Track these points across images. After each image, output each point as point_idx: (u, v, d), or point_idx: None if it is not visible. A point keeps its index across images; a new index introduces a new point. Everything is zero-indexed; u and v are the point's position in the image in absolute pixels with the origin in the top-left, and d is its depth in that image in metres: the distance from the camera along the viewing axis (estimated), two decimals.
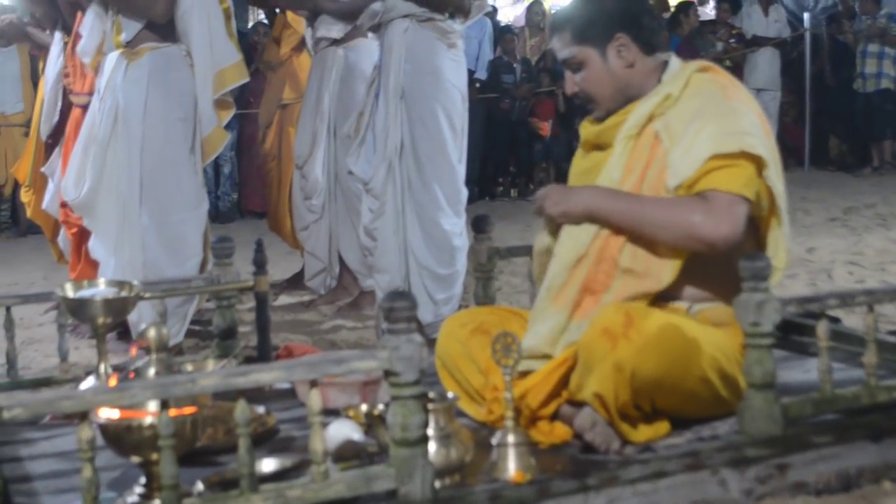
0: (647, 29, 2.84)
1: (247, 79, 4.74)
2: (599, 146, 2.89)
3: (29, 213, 5.84)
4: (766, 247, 2.78)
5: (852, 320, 3.92)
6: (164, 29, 4.47)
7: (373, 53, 5.26)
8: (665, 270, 2.67)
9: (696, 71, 2.80)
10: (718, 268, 2.66)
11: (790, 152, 11.64)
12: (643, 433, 2.57)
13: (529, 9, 12.25)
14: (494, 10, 12.47)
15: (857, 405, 2.67)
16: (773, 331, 2.51)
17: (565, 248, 2.75)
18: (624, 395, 2.49)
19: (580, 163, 2.99)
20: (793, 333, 3.28)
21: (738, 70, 11.02)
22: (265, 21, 10.31)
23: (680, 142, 2.66)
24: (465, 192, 4.63)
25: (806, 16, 12.14)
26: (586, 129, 2.94)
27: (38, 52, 6.16)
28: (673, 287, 2.70)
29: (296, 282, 6.06)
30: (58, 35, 5.38)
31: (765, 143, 2.68)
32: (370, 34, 5.01)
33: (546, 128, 11.26)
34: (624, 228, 2.68)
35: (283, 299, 5.91)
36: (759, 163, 2.65)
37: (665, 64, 2.85)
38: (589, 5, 2.87)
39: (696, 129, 2.65)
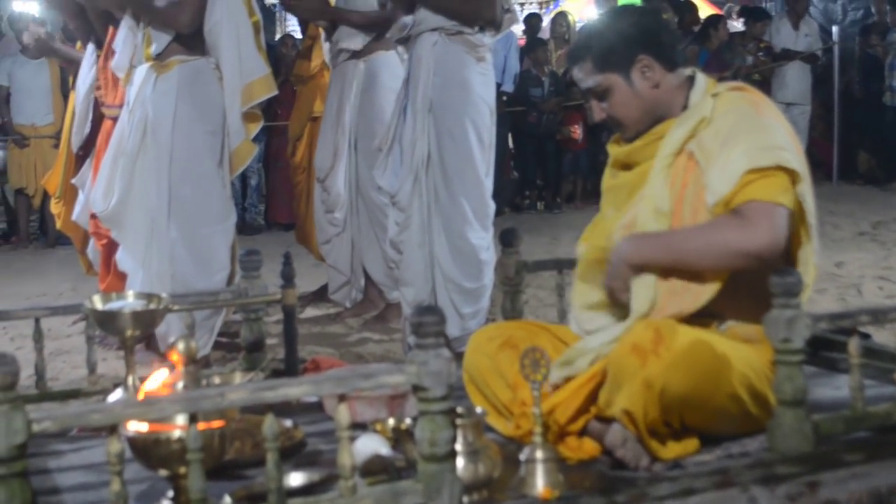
0: (668, 46, 2.83)
1: (275, 92, 4.76)
2: (628, 165, 2.89)
3: (59, 224, 5.87)
4: (795, 262, 2.76)
5: (883, 336, 3.89)
6: (193, 42, 4.50)
7: (393, 66, 5.27)
8: (705, 289, 2.66)
9: (727, 90, 2.79)
10: (748, 284, 2.65)
11: (818, 166, 11.56)
12: (672, 450, 2.55)
13: (554, 20, 12.22)
14: (538, 16, 12.48)
15: (888, 423, 2.65)
16: (804, 347, 2.49)
17: (638, 300, 2.74)
18: (653, 411, 2.47)
19: (609, 180, 2.98)
20: (823, 349, 3.25)
21: (766, 84, 10.97)
22: (293, 34, 10.37)
23: (716, 160, 2.66)
24: (492, 206, 4.62)
25: (835, 29, 12.09)
26: (615, 150, 2.94)
27: (67, 66, 6.20)
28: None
29: (322, 294, 6.06)
30: (90, 47, 5.40)
31: (798, 159, 2.67)
32: (399, 47, 5.02)
33: (577, 131, 11.22)
34: (671, 265, 2.67)
35: (310, 311, 5.92)
36: (793, 176, 2.64)
37: (690, 80, 2.83)
38: (606, 31, 2.85)
39: (731, 146, 2.64)
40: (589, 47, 2.84)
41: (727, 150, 2.65)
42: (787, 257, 2.75)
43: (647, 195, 2.77)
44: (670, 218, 2.73)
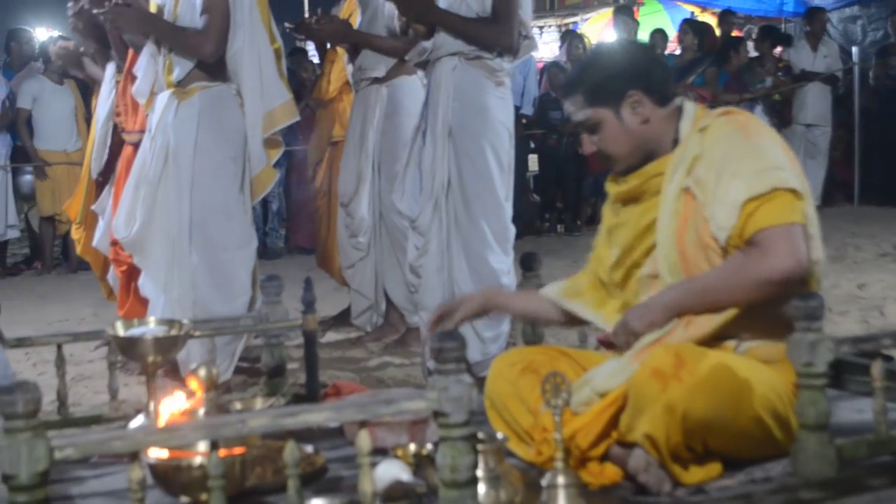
0: (659, 81, 2.84)
1: (297, 118, 4.77)
2: (627, 201, 2.89)
3: (79, 250, 5.89)
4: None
5: None
6: (214, 68, 4.52)
7: (415, 90, 5.27)
8: (720, 314, 2.66)
9: (714, 118, 2.78)
10: (766, 305, 2.64)
11: (839, 187, 11.54)
12: (695, 475, 2.54)
13: (570, 43, 12.25)
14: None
15: None
16: (827, 371, 2.48)
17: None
18: (675, 436, 2.47)
19: (612, 219, 2.99)
20: (846, 373, 3.24)
21: (787, 104, 10.95)
22: (312, 59, 10.40)
23: (714, 194, 2.66)
24: (512, 230, 4.62)
25: (855, 49, 12.06)
26: (614, 188, 2.94)
27: (91, 83, 6.22)
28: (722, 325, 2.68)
29: (343, 318, 6.06)
30: (109, 72, 5.42)
31: (795, 174, 2.67)
32: (418, 71, 5.03)
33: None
34: (708, 311, 2.67)
35: (331, 336, 5.91)
36: (793, 194, 2.63)
37: (679, 110, 2.83)
38: (597, 66, 2.87)
39: (726, 177, 2.65)
40: (580, 81, 2.87)
41: (723, 181, 2.65)
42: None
43: (661, 245, 2.77)
44: (679, 263, 2.73)
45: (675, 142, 2.81)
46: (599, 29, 17.46)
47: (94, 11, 4.69)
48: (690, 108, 2.84)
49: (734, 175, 2.64)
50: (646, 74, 2.83)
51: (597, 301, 3.02)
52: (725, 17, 12.66)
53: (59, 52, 6.11)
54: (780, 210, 2.61)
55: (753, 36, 13.27)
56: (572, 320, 3.10)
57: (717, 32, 12.58)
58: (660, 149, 2.82)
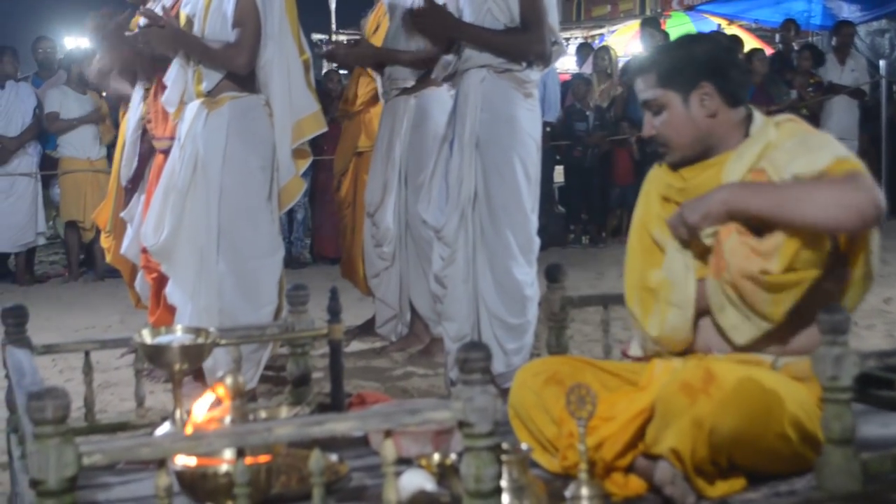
0: (734, 81, 2.84)
1: (325, 129, 4.81)
2: (681, 194, 2.88)
3: (108, 258, 5.93)
4: (852, 281, 2.74)
5: None
6: (244, 78, 4.55)
7: (443, 102, 5.28)
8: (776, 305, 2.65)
9: (786, 121, 2.81)
10: (806, 320, 2.63)
11: None
12: (719, 488, 2.54)
13: (596, 55, 12.26)
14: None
15: None
16: (852, 385, 2.48)
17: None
18: (702, 451, 2.46)
19: (657, 208, 2.97)
20: (872, 387, 3.22)
21: (814, 119, 10.91)
22: (338, 69, 10.43)
23: (797, 161, 2.67)
24: (537, 242, 4.62)
25: (882, 63, 12.02)
26: (668, 182, 2.92)
27: (117, 102, 6.25)
28: (761, 339, 2.68)
29: (368, 328, 6.08)
30: (138, 84, 5.47)
31: None
32: (444, 84, 5.04)
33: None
34: (769, 216, 2.62)
35: (356, 345, 5.94)
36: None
37: (749, 118, 2.84)
38: (678, 50, 2.89)
39: (808, 148, 2.68)
40: (657, 61, 2.88)
41: (805, 153, 2.67)
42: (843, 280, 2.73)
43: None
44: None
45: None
46: (626, 41, 17.47)
47: (127, 35, 4.75)
48: (760, 117, 2.86)
49: (817, 147, 2.68)
50: (723, 70, 2.84)
51: None
52: (788, 25, 12.59)
53: (91, 66, 6.14)
54: (862, 167, 2.64)
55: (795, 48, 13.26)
56: None
57: (777, 40, 12.56)
58: (721, 147, 2.83)
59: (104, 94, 9.19)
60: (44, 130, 9.92)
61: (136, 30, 4.89)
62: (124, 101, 5.75)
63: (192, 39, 4.59)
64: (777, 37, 13.20)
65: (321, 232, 10.59)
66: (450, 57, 4.62)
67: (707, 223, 2.70)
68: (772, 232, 2.62)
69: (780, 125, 2.80)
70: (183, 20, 4.67)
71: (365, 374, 5.20)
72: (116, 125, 6.95)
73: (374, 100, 6.22)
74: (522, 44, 4.50)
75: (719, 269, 2.68)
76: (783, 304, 2.64)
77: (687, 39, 3.01)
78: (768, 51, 12.63)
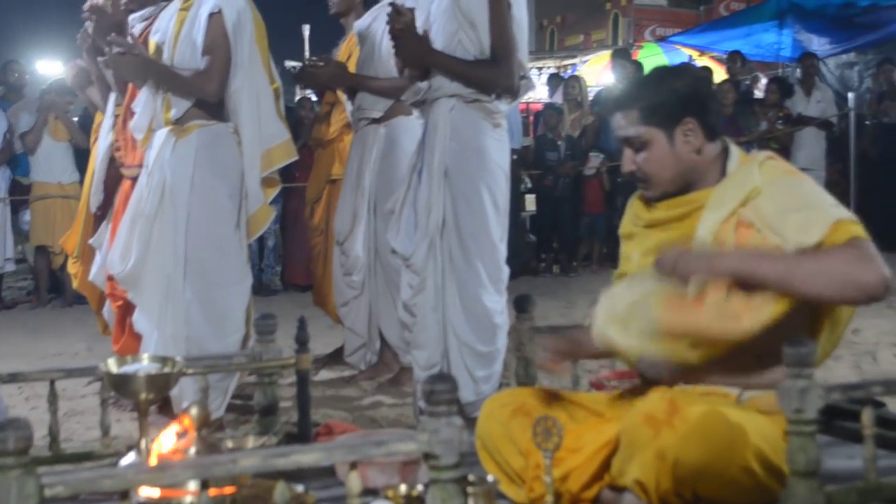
0: (713, 114, 2.83)
1: (295, 157, 4.80)
2: (654, 226, 2.88)
3: (76, 284, 5.90)
4: (822, 327, 2.74)
5: None
6: (213, 107, 4.55)
7: (413, 130, 5.28)
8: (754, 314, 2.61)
9: (766, 159, 2.78)
10: (774, 355, 2.63)
11: None
12: None
13: (567, 84, 12.33)
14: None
15: None
16: (817, 417, 2.49)
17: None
18: (666, 483, 2.46)
19: (631, 227, 2.97)
20: (837, 418, 3.24)
21: (785, 151, 11.00)
22: (311, 96, 10.46)
23: (787, 222, 2.62)
24: (506, 271, 4.63)
25: (850, 95, 12.14)
26: (643, 214, 2.92)
27: (91, 109, 6.25)
28: (727, 372, 2.68)
29: (337, 356, 6.06)
30: (110, 108, 5.45)
31: None
32: (414, 112, 5.05)
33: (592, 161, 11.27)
34: (774, 286, 2.57)
35: (325, 374, 5.92)
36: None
37: (725, 151, 2.84)
38: (660, 85, 2.85)
39: (801, 208, 2.63)
40: (639, 97, 2.84)
41: (798, 212, 2.62)
42: (814, 326, 2.73)
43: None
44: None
45: (723, 176, 2.80)
46: (598, 71, 17.59)
47: (98, 60, 4.74)
48: (735, 150, 2.85)
49: (812, 203, 2.63)
50: (704, 104, 2.83)
51: None
52: (733, 57, 12.73)
53: (71, 71, 6.17)
54: (864, 231, 2.61)
55: (759, 83, 13.38)
56: None
57: (724, 73, 12.68)
58: (701, 182, 2.81)
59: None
60: (14, 155, 9.89)
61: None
62: (98, 109, 5.75)
63: (161, 68, 4.59)
64: (724, 68, 13.31)
65: (292, 259, 10.57)
66: (424, 84, 4.64)
67: (703, 280, 2.64)
68: (761, 292, 2.58)
69: (762, 165, 2.75)
70: (152, 47, 4.66)
71: (333, 403, 5.18)
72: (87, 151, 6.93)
73: (347, 128, 6.23)
74: (491, 77, 4.52)
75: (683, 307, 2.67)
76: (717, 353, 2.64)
77: (665, 73, 2.98)
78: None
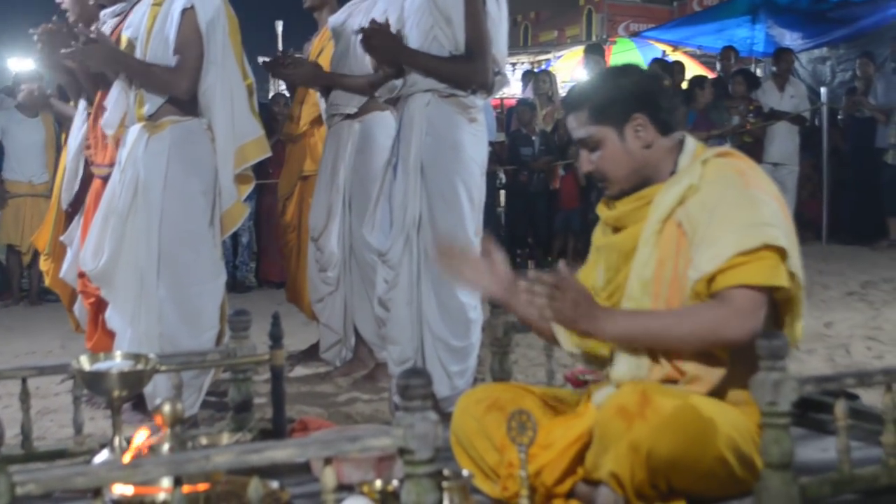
0: (665, 109, 2.84)
1: (268, 154, 4.79)
2: (618, 228, 2.90)
3: (47, 281, 5.87)
4: (783, 323, 2.77)
5: (871, 397, 3.89)
6: (186, 103, 4.53)
7: (388, 126, 5.28)
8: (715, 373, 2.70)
9: (715, 156, 2.80)
10: (736, 352, 2.66)
11: (807, 226, 11.61)
12: None
13: (537, 78, 12.34)
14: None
15: (876, 486, 2.65)
16: (791, 410, 2.49)
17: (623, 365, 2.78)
18: (640, 474, 2.47)
19: (601, 238, 3.00)
20: (811, 411, 3.26)
21: (758, 145, 11.05)
22: (285, 92, 10.43)
23: (703, 236, 2.66)
24: None
25: (823, 90, 12.21)
26: (604, 212, 2.95)
27: (61, 122, 6.22)
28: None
29: (312, 353, 6.05)
30: (81, 105, 5.42)
31: (785, 231, 2.67)
32: (388, 106, 5.04)
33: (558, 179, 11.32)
34: (651, 345, 2.70)
35: (300, 370, 5.90)
36: (781, 253, 2.64)
37: (680, 144, 2.85)
38: (606, 84, 2.87)
39: (718, 221, 2.65)
40: (587, 98, 2.86)
41: (713, 225, 2.65)
42: (775, 318, 2.75)
43: (636, 264, 2.78)
44: (651, 285, 2.74)
45: (673, 174, 2.82)
46: (572, 67, 17.62)
47: (62, 52, 4.67)
48: (691, 143, 2.86)
49: (726, 222, 2.64)
50: (653, 100, 2.83)
51: None
52: (727, 54, 12.76)
53: (25, 97, 6.13)
54: (762, 271, 2.62)
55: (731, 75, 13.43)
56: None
57: (718, 67, 12.73)
58: (656, 177, 2.83)
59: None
60: None
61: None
62: (67, 122, 5.70)
63: (128, 59, 4.56)
64: (718, 65, 13.38)
65: (266, 256, 10.56)
66: (398, 81, 4.63)
67: (584, 328, 2.75)
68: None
69: (707, 163, 2.77)
70: (125, 43, 4.63)
71: (309, 399, 5.17)
72: (59, 150, 6.91)
73: (318, 122, 6.22)
74: (466, 73, 4.52)
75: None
76: None
77: (611, 72, 3.00)
78: (712, 77, 12.79)
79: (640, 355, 2.73)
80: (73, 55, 4.59)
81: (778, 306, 2.75)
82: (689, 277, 2.66)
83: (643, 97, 2.83)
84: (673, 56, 15.15)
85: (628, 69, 3.01)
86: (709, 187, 2.72)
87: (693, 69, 13.85)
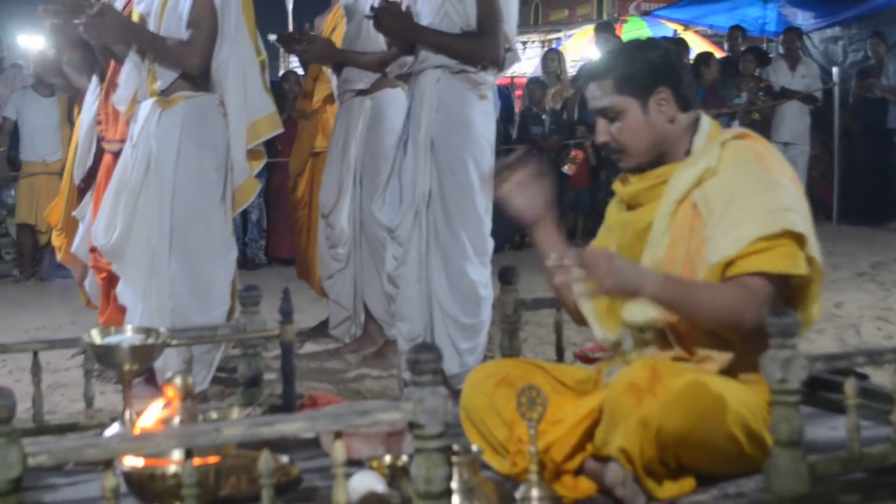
0: (686, 84, 2.85)
1: (280, 130, 4.79)
2: (632, 205, 2.90)
3: (59, 256, 5.87)
4: (799, 304, 2.77)
5: (881, 376, 3.88)
6: (198, 78, 4.52)
7: (399, 103, 5.27)
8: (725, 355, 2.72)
9: (732, 139, 2.79)
10: (748, 334, 2.66)
11: (818, 206, 11.57)
12: (668, 489, 2.55)
13: (546, 57, 12.30)
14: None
15: (884, 464, 2.65)
16: (800, 387, 2.50)
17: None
18: (649, 451, 2.47)
19: (616, 215, 3.00)
20: (820, 389, 3.25)
21: (767, 123, 11.01)
22: (296, 70, 10.42)
23: (721, 218, 2.66)
24: (491, 243, 4.63)
25: (835, 70, 12.15)
26: (620, 189, 2.95)
27: (73, 95, 6.20)
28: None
29: (322, 329, 6.06)
30: (94, 81, 5.41)
31: (804, 215, 2.68)
32: (399, 83, 5.04)
33: (580, 154, 11.25)
34: (672, 310, 2.69)
35: (309, 347, 5.91)
36: (799, 239, 2.65)
37: (696, 122, 2.85)
38: (633, 56, 2.86)
39: (738, 205, 2.65)
40: (613, 67, 2.85)
41: (733, 209, 2.65)
42: (793, 303, 2.75)
43: (649, 244, 2.78)
44: (663, 265, 2.74)
45: (688, 153, 2.82)
46: (583, 45, 17.58)
47: (76, 21, 4.65)
48: (706, 122, 2.86)
49: (747, 206, 2.64)
50: (677, 75, 2.84)
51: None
52: (734, 32, 12.71)
53: (38, 60, 6.10)
54: (782, 258, 2.63)
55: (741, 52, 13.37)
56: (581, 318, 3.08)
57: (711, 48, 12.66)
58: (672, 154, 2.83)
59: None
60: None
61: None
62: (79, 93, 5.70)
63: (140, 31, 4.55)
64: (725, 44, 13.32)
65: (276, 233, 10.56)
66: (409, 58, 4.63)
67: (612, 294, 2.75)
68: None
69: (725, 145, 2.77)
70: (136, 19, 4.63)
71: (318, 375, 5.18)
72: (72, 126, 6.90)
73: (330, 99, 6.21)
74: (476, 49, 4.52)
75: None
76: None
77: (638, 45, 2.98)
78: (722, 56, 12.75)
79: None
80: (85, 27, 4.57)
81: (795, 289, 2.74)
82: (708, 259, 2.66)
83: (668, 71, 2.83)
84: (684, 35, 15.09)
85: (653, 43, 3.01)
86: (728, 171, 2.72)
87: (704, 48, 13.78)
